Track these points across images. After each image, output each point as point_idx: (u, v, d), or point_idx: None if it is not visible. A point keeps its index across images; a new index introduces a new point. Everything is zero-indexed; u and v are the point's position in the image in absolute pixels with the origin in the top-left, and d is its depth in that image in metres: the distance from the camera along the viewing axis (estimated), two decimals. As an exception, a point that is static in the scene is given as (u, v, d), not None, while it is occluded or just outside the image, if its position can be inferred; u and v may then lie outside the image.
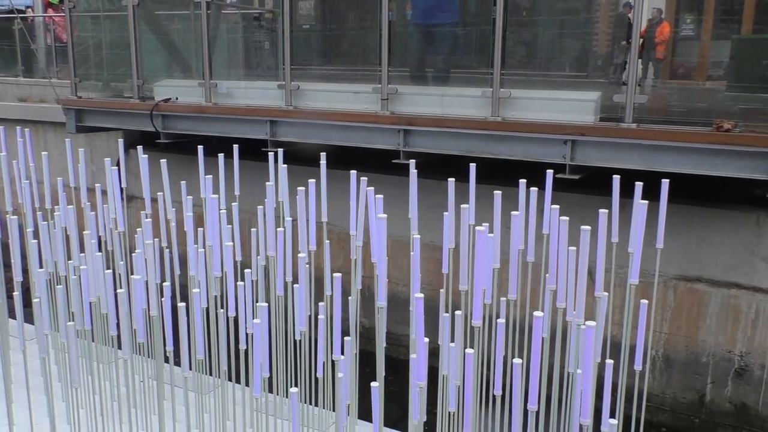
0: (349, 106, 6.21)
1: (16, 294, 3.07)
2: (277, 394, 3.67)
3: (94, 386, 3.55)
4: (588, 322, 1.82)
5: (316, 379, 3.30)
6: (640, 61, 4.98)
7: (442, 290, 3.16)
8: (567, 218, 2.40)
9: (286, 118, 6.44)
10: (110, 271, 3.14)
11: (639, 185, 3.06)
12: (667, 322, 5.40)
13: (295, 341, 3.42)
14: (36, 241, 3.47)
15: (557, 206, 2.88)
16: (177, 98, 7.11)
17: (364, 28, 7.01)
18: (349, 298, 3.39)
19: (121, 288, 2.94)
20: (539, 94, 5.54)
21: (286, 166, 3.84)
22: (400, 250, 6.09)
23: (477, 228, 2.21)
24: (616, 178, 3.19)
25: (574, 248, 2.69)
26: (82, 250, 3.42)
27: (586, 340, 1.79)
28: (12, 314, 4.21)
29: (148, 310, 3.09)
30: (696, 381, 5.36)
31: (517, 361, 1.98)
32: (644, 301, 2.82)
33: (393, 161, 5.79)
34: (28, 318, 3.64)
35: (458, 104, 5.75)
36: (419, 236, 2.88)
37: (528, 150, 5.31)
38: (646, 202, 2.91)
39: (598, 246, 2.86)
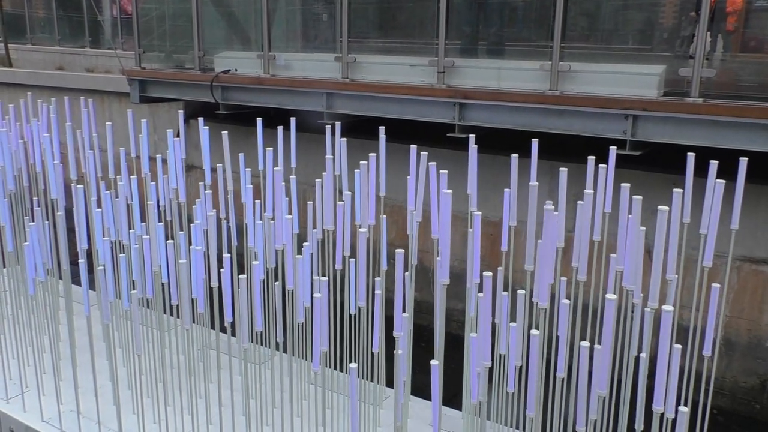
0: (405, 79, 6.16)
1: (82, 261, 3.13)
2: (333, 368, 3.69)
3: (153, 353, 3.63)
4: (664, 307, 1.76)
5: (372, 354, 3.30)
6: (708, 33, 4.78)
7: (500, 268, 3.11)
8: (640, 197, 2.31)
9: (342, 90, 6.42)
10: (171, 241, 3.18)
11: (714, 164, 2.93)
12: (729, 305, 5.23)
13: (349, 315, 3.42)
14: (99, 210, 3.54)
15: (628, 184, 2.78)
16: (236, 70, 7.15)
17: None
18: (405, 274, 3.37)
19: (181, 258, 2.97)
20: (600, 67, 5.37)
21: (344, 139, 3.81)
22: (453, 224, 6.02)
23: (545, 207, 2.15)
24: (691, 155, 3.06)
25: (644, 228, 2.60)
26: (142, 219, 3.47)
27: (662, 325, 1.73)
28: (74, 280, 4.34)
29: (208, 281, 3.13)
30: (758, 366, 5.20)
31: (584, 344, 1.93)
32: (716, 285, 2.72)
33: (448, 135, 5.72)
34: (90, 284, 3.73)
35: (515, 78, 5.64)
36: (479, 213, 2.83)
37: (586, 125, 5.18)
38: (723, 181, 2.79)
39: (670, 226, 2.76)
